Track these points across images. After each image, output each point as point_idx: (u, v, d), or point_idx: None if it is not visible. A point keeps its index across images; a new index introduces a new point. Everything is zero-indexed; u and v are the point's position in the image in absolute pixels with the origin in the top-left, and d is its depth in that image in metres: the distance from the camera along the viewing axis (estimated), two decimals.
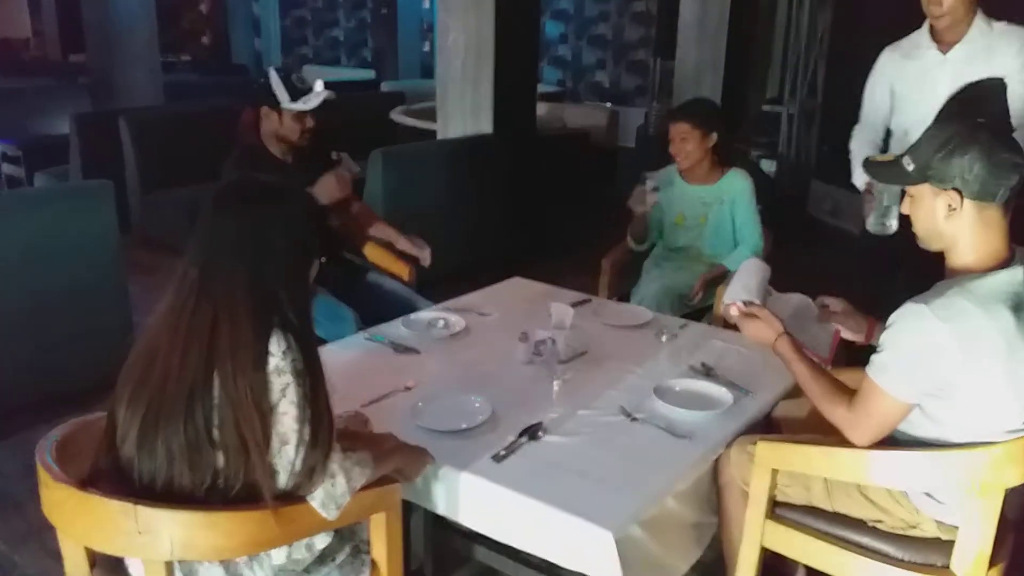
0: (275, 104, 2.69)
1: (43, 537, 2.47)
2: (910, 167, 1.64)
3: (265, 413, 1.37)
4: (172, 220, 5.27)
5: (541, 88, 8.79)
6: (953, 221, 1.63)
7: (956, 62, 2.59)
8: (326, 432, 1.42)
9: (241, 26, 12.70)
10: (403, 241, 2.96)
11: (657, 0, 8.35)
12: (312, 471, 1.41)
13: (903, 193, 1.74)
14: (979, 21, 2.58)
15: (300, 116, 2.70)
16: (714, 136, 3.09)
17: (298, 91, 2.68)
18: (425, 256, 2.92)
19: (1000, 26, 2.59)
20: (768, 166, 6.82)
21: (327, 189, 2.69)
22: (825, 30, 6.51)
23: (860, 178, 2.69)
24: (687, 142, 3.07)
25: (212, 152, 3.27)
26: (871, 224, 2.42)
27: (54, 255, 3.19)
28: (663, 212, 3.21)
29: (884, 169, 1.76)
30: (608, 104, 9.11)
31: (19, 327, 3.13)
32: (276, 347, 1.37)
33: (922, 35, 2.68)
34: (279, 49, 12.70)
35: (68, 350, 3.26)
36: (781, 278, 2.36)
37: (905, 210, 1.74)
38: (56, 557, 2.33)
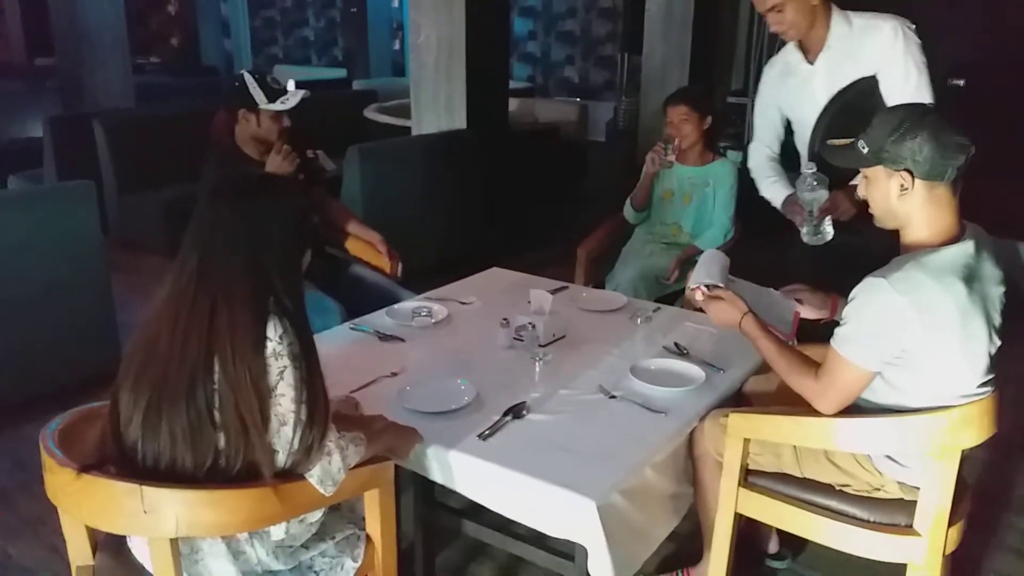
0: (252, 106, 2.73)
1: (36, 530, 2.52)
2: (865, 150, 1.74)
3: (263, 395, 1.43)
4: (149, 221, 5.29)
5: (511, 84, 8.89)
6: (906, 200, 1.73)
7: (825, 69, 2.52)
8: (322, 412, 1.49)
9: (210, 27, 12.63)
10: (383, 246, 3.02)
11: None
12: (309, 449, 1.48)
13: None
14: (837, 23, 2.47)
15: (277, 116, 2.75)
16: (708, 120, 3.26)
17: (275, 92, 2.72)
18: (396, 269, 2.99)
19: (861, 21, 2.48)
20: (734, 157, 6.95)
21: (276, 164, 2.73)
22: None
23: (769, 192, 2.74)
24: (687, 123, 3.22)
25: (187, 154, 3.31)
26: (806, 236, 2.42)
27: (37, 255, 3.22)
28: (653, 187, 3.34)
29: (840, 152, 1.84)
30: (577, 99, 9.21)
31: (3, 327, 3.16)
32: (273, 332, 1.44)
33: (790, 50, 2.62)
34: (249, 50, 12.66)
35: (52, 349, 3.30)
36: (748, 269, 2.46)
37: (861, 192, 1.83)
38: (50, 548, 2.42)
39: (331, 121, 6.03)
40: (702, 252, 2.85)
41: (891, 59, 2.42)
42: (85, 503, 1.46)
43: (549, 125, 7.01)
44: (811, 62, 2.55)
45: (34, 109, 6.74)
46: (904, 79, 2.40)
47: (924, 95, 2.40)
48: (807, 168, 2.35)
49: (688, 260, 3.13)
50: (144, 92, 7.65)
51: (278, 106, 2.71)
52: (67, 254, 3.32)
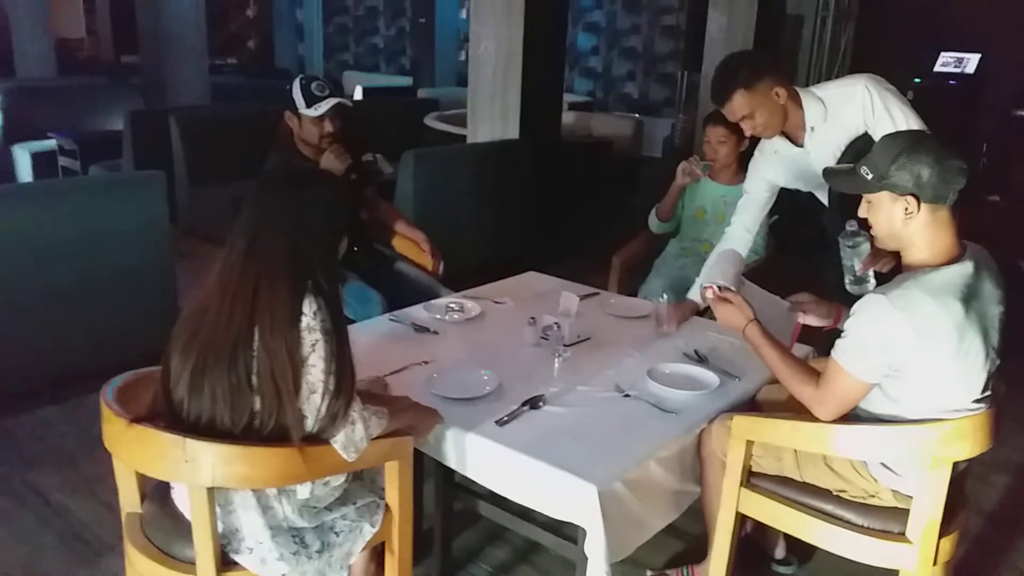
0: (295, 110, 2.91)
1: (94, 488, 2.74)
2: (869, 176, 1.81)
3: (296, 365, 1.60)
4: (216, 212, 5.57)
5: (572, 98, 9.01)
6: (909, 223, 1.80)
7: (816, 148, 2.57)
8: (348, 383, 1.65)
9: (285, 31, 13.10)
10: (427, 245, 3.19)
11: (686, 14, 8.53)
12: (335, 417, 1.64)
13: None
14: (809, 105, 2.52)
15: (318, 121, 2.90)
16: (746, 142, 3.33)
17: (314, 98, 2.87)
18: (438, 267, 3.15)
19: (831, 93, 2.53)
20: None
21: (330, 162, 2.88)
22: (848, 45, 6.66)
23: (706, 274, 2.72)
24: (724, 145, 3.33)
25: (254, 151, 3.52)
26: (850, 286, 2.42)
27: (110, 239, 3.47)
28: (685, 204, 3.43)
29: (844, 178, 1.91)
30: (635, 115, 9.30)
31: (74, 304, 3.41)
32: (308, 308, 1.61)
33: (775, 141, 2.65)
34: (322, 55, 13.07)
35: (117, 328, 3.54)
36: (781, 287, 2.53)
37: (863, 214, 1.90)
38: (106, 506, 2.64)
39: (394, 127, 6.27)
40: None
41: (872, 115, 2.47)
42: (135, 451, 1.64)
43: (603, 139, 7.13)
44: (800, 145, 2.60)
45: (118, 104, 7.13)
46: (890, 127, 2.40)
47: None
48: (850, 225, 2.36)
49: None
50: (219, 91, 8.02)
51: (311, 112, 2.87)
52: (137, 239, 3.57)
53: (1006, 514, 2.82)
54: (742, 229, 2.83)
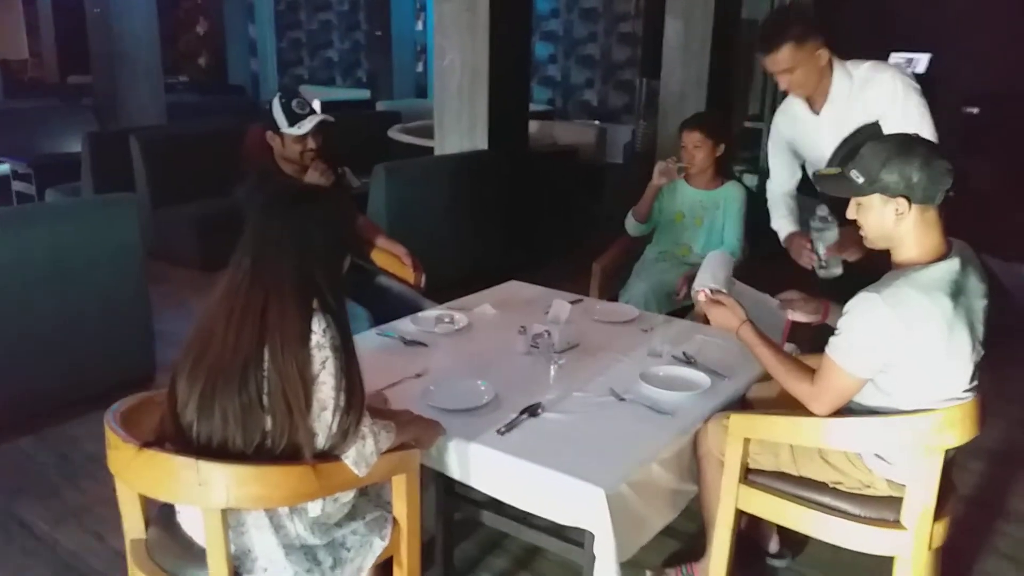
0: (276, 129, 2.92)
1: (80, 518, 2.69)
2: (860, 180, 1.86)
3: (308, 382, 1.60)
4: (180, 234, 5.51)
5: (532, 107, 9.05)
6: (900, 224, 1.85)
7: (830, 120, 2.64)
8: (358, 399, 1.66)
9: (238, 47, 12.96)
10: (409, 258, 3.19)
11: (643, 21, 8.65)
12: (346, 433, 1.65)
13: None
14: (839, 76, 2.58)
15: (300, 139, 2.91)
16: (722, 147, 3.41)
17: (296, 116, 2.89)
18: (420, 280, 3.16)
19: (861, 73, 2.58)
20: (750, 181, 7.10)
21: (315, 179, 2.92)
22: None
23: (777, 226, 2.89)
24: (700, 150, 3.38)
25: (217, 170, 3.49)
26: (818, 271, 2.53)
27: (81, 264, 3.40)
28: (663, 209, 3.49)
29: (833, 182, 1.96)
30: (596, 122, 9.40)
31: (48, 331, 3.34)
32: (317, 326, 1.61)
33: (795, 101, 2.73)
34: (275, 70, 12.96)
35: (93, 353, 3.48)
36: (759, 287, 2.60)
37: (852, 216, 1.94)
38: (94, 535, 2.60)
39: (356, 141, 6.23)
40: None
41: (891, 108, 2.53)
42: (146, 476, 1.63)
43: (568, 147, 7.20)
44: (816, 112, 2.67)
45: (70, 125, 7.00)
46: (904, 127, 2.43)
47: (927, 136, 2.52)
48: (819, 211, 2.46)
49: (695, 277, 3.27)
50: (174, 110, 7.90)
51: (295, 131, 2.88)
52: (110, 264, 3.50)
53: (984, 498, 2.92)
54: (778, 185, 2.93)
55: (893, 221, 1.85)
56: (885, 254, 1.96)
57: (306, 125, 2.86)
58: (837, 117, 2.62)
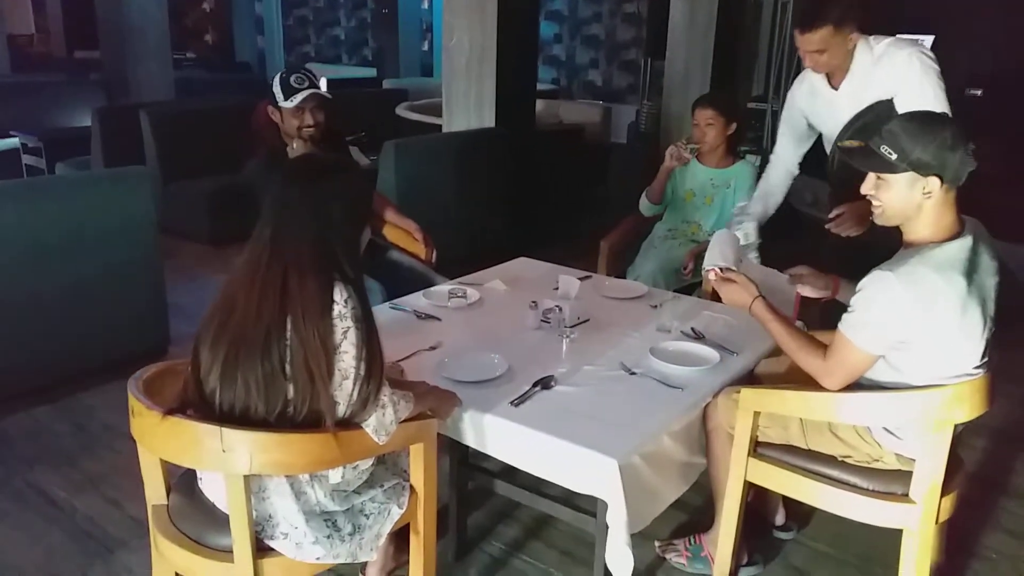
0: (275, 103, 2.92)
1: (98, 486, 2.74)
2: (892, 156, 1.83)
3: (329, 351, 1.62)
4: (190, 209, 5.54)
5: (537, 86, 9.03)
6: (924, 203, 1.85)
7: (848, 94, 2.68)
8: (378, 369, 1.69)
9: (244, 24, 12.92)
10: (420, 233, 3.22)
11: (648, 2, 8.61)
12: (366, 401, 1.68)
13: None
14: (860, 52, 2.61)
15: (296, 112, 2.90)
16: (733, 126, 3.42)
17: (291, 90, 2.88)
18: (431, 255, 3.19)
19: (880, 48, 2.61)
20: (753, 160, 7.10)
21: (297, 144, 2.90)
22: None
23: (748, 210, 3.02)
24: (712, 127, 3.39)
25: (226, 146, 3.51)
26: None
27: (97, 236, 3.43)
28: (675, 186, 3.52)
29: (861, 156, 1.92)
30: (600, 102, 9.38)
31: (63, 303, 3.37)
32: (340, 296, 1.63)
33: (813, 75, 2.77)
34: (282, 47, 12.93)
35: (107, 326, 3.52)
36: (766, 264, 2.63)
37: (869, 191, 1.92)
38: (112, 502, 2.64)
39: (364, 118, 6.25)
40: None
41: (907, 84, 2.55)
42: (170, 443, 1.66)
43: (574, 126, 7.20)
44: (835, 87, 2.70)
45: (79, 100, 7.01)
46: (919, 104, 2.43)
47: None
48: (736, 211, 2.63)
49: (702, 254, 3.30)
50: (181, 86, 7.91)
51: (288, 104, 2.87)
52: (124, 236, 3.53)
53: (988, 475, 2.95)
54: (783, 162, 3.00)
55: (919, 200, 1.84)
56: (888, 230, 1.97)
57: (297, 98, 2.86)
58: (855, 92, 2.65)
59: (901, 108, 2.55)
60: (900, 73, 2.57)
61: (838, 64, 2.63)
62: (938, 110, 2.44)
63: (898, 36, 2.67)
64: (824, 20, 2.53)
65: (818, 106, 2.82)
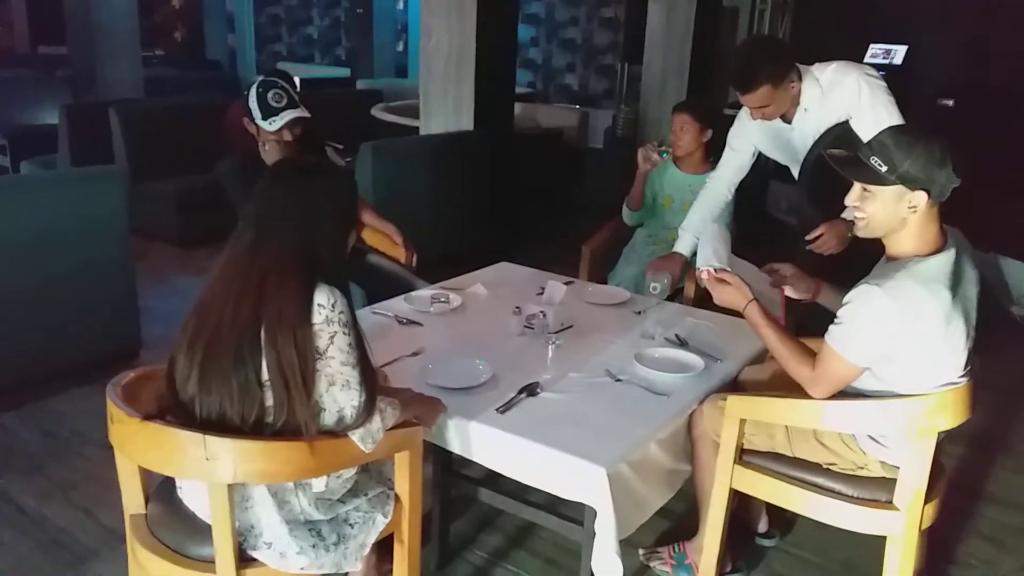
0: (252, 118, 2.82)
1: (68, 494, 2.66)
2: (883, 168, 1.83)
3: (306, 358, 1.57)
4: (159, 209, 5.43)
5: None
6: (911, 216, 1.85)
7: (801, 127, 2.73)
8: (371, 375, 1.66)
9: (215, 22, 12.73)
10: (399, 237, 3.17)
11: (625, 7, 8.65)
12: (368, 411, 1.64)
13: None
14: (808, 87, 2.64)
15: (276, 133, 2.80)
16: (709, 132, 3.43)
17: (270, 110, 2.78)
18: (411, 259, 3.15)
19: (827, 76, 2.65)
20: None
21: (272, 154, 2.82)
22: (785, 37, 6.86)
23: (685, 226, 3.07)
24: (685, 133, 3.41)
25: (197, 145, 3.44)
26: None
27: (67, 238, 3.34)
28: (655, 193, 3.52)
29: (851, 166, 1.91)
30: (577, 106, 9.39)
31: (32, 304, 3.28)
32: (326, 300, 1.60)
33: None
34: (253, 46, 12.78)
35: (77, 327, 3.44)
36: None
37: (854, 202, 1.91)
38: (83, 511, 2.57)
39: (339, 119, 6.19)
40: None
41: (859, 108, 2.61)
42: (151, 451, 1.61)
43: (553, 130, 7.19)
44: (788, 121, 2.74)
45: (44, 97, 6.85)
46: (874, 124, 2.48)
47: None
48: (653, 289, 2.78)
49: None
50: (150, 84, 7.76)
51: (267, 125, 2.78)
52: (94, 237, 3.45)
53: (965, 482, 2.98)
54: (723, 185, 3.02)
55: (905, 213, 1.84)
56: (866, 242, 1.98)
57: (277, 122, 2.77)
58: (808, 123, 2.69)
59: (858, 130, 2.61)
60: (851, 98, 2.62)
61: (786, 109, 2.68)
62: (894, 123, 2.47)
63: (839, 61, 2.70)
64: (760, 80, 2.56)
65: (771, 137, 2.86)
